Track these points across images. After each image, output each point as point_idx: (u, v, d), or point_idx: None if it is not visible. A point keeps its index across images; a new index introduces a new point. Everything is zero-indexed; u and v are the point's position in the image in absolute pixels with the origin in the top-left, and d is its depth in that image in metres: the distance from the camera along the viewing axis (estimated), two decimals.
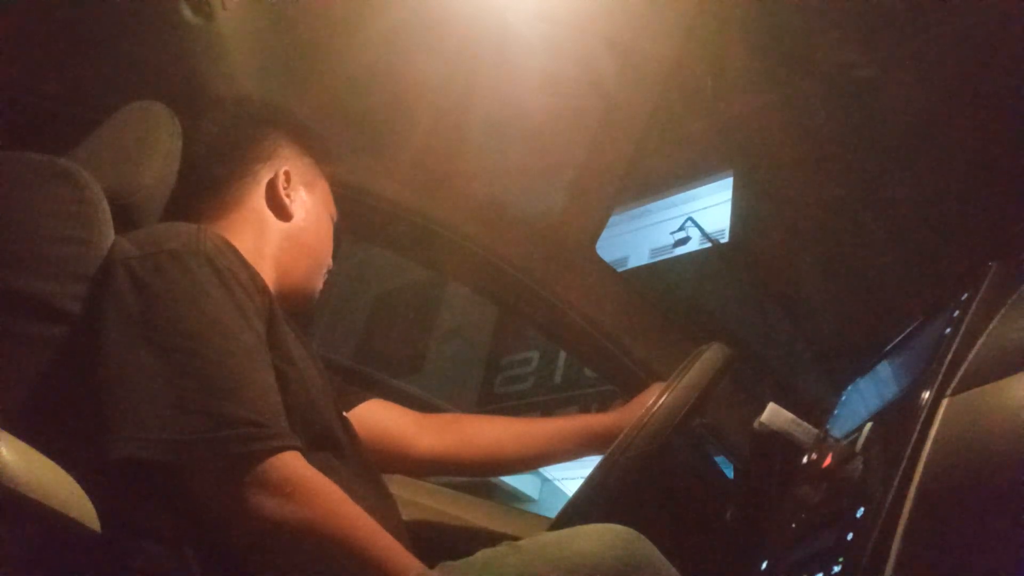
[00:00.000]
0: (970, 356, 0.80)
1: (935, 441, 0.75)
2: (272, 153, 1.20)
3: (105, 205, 0.98)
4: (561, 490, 6.43)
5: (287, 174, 1.19)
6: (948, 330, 0.86)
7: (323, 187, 1.26)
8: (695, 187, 6.59)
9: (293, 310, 1.17)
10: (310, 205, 1.21)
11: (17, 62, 1.29)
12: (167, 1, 1.25)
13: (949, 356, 0.81)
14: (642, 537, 0.90)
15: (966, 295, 0.90)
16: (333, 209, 1.28)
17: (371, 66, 1.47)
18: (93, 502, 0.79)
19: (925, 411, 0.77)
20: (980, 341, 0.81)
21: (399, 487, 1.38)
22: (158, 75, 1.32)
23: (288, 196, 1.18)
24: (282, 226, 1.17)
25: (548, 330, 1.77)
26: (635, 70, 1.52)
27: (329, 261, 1.25)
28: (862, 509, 0.77)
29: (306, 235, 1.20)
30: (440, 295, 7.68)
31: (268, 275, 1.10)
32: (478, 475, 1.50)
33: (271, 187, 1.17)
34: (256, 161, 1.18)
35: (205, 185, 1.16)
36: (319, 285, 1.23)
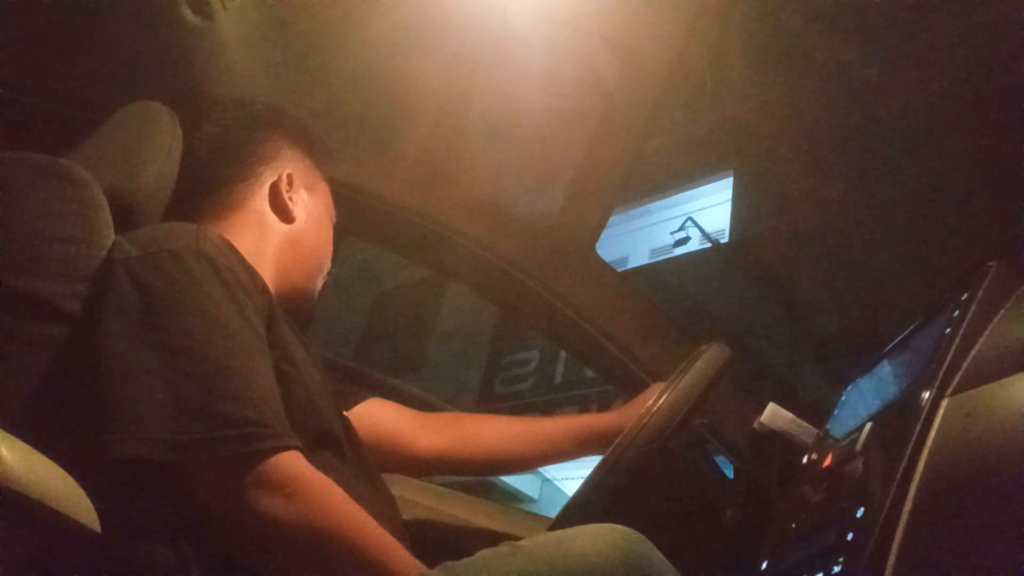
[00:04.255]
0: (970, 356, 0.80)
1: (935, 441, 0.75)
2: (275, 155, 1.20)
3: (105, 205, 0.98)
4: (561, 490, 6.44)
5: (290, 177, 1.19)
6: (948, 330, 0.86)
7: (324, 189, 1.27)
8: (695, 187, 6.59)
9: (292, 311, 1.18)
10: (312, 208, 1.22)
11: (17, 62, 1.29)
12: (167, 1, 1.25)
13: (949, 356, 0.81)
14: (642, 537, 0.90)
15: (966, 295, 0.90)
16: (333, 211, 1.28)
17: (371, 66, 1.47)
18: (93, 502, 0.79)
19: (925, 411, 0.77)
20: (980, 341, 0.81)
21: (399, 487, 1.38)
22: (158, 75, 1.32)
23: (291, 199, 1.18)
24: (284, 228, 1.18)
25: (548, 330, 1.77)
26: (635, 70, 1.52)
27: (329, 263, 1.26)
28: (862, 509, 0.77)
29: (308, 237, 1.20)
30: (440, 295, 7.68)
31: (269, 276, 1.10)
32: (478, 474, 1.50)
33: (274, 189, 1.18)
34: (259, 163, 1.18)
35: (207, 186, 1.16)
36: (318, 287, 1.24)
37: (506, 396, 7.04)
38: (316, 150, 1.26)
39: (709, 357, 1.22)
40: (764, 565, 1.01)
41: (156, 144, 1.11)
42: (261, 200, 1.17)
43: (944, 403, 0.77)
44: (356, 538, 0.85)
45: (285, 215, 1.18)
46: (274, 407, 0.89)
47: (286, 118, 1.25)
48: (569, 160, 1.68)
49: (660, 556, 0.90)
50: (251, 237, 1.13)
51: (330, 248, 1.26)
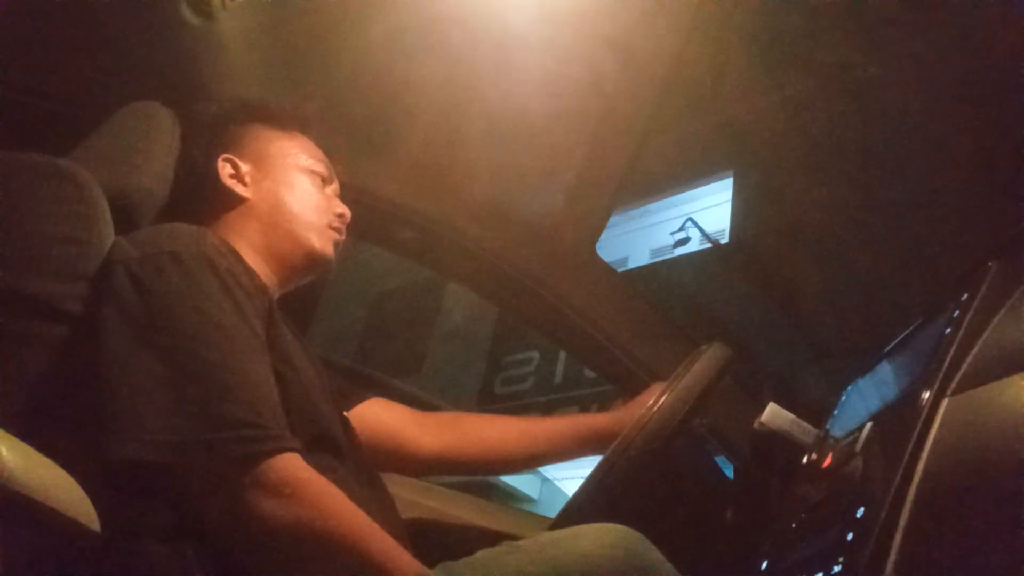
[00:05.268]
0: (970, 356, 0.80)
1: (935, 441, 0.75)
2: (216, 148, 1.17)
3: (105, 205, 0.98)
4: (561, 490, 6.44)
5: (227, 159, 1.17)
6: (948, 330, 0.86)
7: (281, 147, 1.21)
8: (695, 187, 6.60)
9: (309, 279, 1.18)
10: (264, 173, 1.18)
11: (17, 62, 1.29)
12: (167, 1, 1.25)
13: (949, 356, 0.81)
14: (642, 537, 0.90)
15: (966, 295, 0.90)
16: (306, 160, 1.21)
17: (372, 66, 1.47)
18: (93, 502, 0.79)
19: (925, 411, 0.77)
20: (980, 341, 0.81)
21: (399, 487, 1.38)
22: (158, 75, 1.32)
23: (236, 179, 1.16)
24: (243, 209, 1.15)
25: (548, 330, 1.77)
26: (635, 70, 1.52)
27: (321, 217, 1.18)
28: (862, 509, 0.77)
29: (267, 202, 1.16)
30: (440, 295, 7.68)
31: (259, 264, 1.09)
32: (478, 474, 1.50)
33: (216, 178, 1.15)
34: (204, 167, 1.16)
35: (177, 197, 1.15)
36: (320, 244, 1.17)
37: (506, 396, 7.04)
38: (259, 113, 1.22)
39: (709, 357, 1.22)
40: (764, 565, 1.01)
41: (156, 144, 1.11)
42: (214, 195, 1.15)
43: (944, 403, 0.77)
44: (355, 539, 0.85)
45: (234, 197, 1.15)
46: (273, 409, 0.89)
47: (220, 107, 1.23)
48: (569, 160, 1.68)
49: (660, 556, 0.90)
50: (228, 232, 1.12)
51: (313, 199, 1.19)
